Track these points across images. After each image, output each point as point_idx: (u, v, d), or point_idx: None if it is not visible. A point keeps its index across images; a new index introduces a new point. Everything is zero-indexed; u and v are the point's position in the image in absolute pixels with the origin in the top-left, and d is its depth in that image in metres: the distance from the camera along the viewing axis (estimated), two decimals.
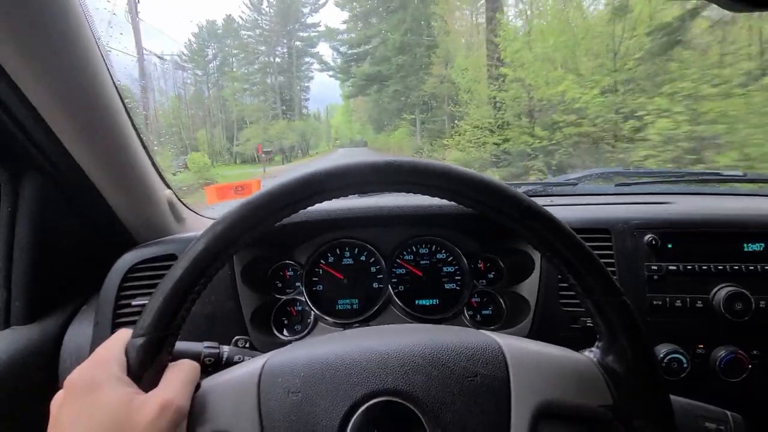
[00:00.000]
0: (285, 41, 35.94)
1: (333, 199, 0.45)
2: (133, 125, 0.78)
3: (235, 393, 0.42)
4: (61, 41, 0.58)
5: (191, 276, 0.40)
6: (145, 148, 0.83)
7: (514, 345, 0.45)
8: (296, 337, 0.89)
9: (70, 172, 0.71)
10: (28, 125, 0.63)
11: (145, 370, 0.40)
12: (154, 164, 0.87)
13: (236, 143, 30.58)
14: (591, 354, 0.46)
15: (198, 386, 0.43)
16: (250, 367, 0.44)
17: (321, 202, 0.44)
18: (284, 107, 37.08)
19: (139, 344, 0.40)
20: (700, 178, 1.29)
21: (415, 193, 0.44)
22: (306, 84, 41.74)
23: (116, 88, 0.72)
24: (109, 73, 0.69)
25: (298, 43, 36.51)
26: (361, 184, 0.44)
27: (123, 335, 0.42)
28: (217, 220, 0.42)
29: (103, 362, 0.38)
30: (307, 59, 38.99)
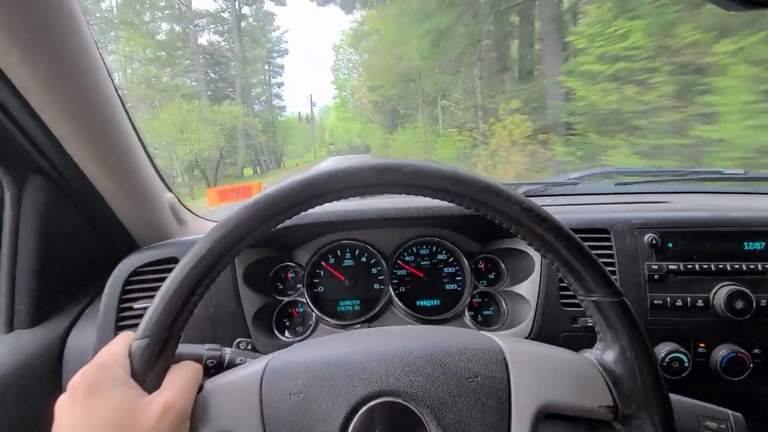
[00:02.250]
0: None
1: (334, 201, 0.45)
2: (134, 129, 0.79)
3: (237, 394, 0.43)
4: (62, 46, 0.58)
5: (194, 278, 0.41)
6: (146, 151, 0.83)
7: (514, 346, 0.46)
8: (298, 338, 0.89)
9: (72, 175, 0.72)
10: (31, 129, 0.64)
11: (148, 372, 0.40)
12: (155, 167, 0.88)
13: None
14: (591, 354, 0.46)
15: (201, 387, 0.43)
16: (253, 368, 0.45)
17: (322, 204, 0.44)
18: (227, 87, 19.93)
19: (143, 345, 0.40)
20: (700, 176, 1.29)
21: (416, 195, 0.45)
22: (277, 59, 24.94)
23: (117, 91, 0.72)
24: (110, 76, 0.70)
25: None
26: (362, 186, 0.44)
27: (126, 337, 0.42)
28: (220, 223, 0.42)
29: (106, 364, 0.39)
30: (273, 16, 23.08)
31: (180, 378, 0.41)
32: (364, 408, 0.41)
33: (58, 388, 0.73)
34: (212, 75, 20.37)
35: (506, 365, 0.43)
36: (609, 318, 0.43)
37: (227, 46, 20.88)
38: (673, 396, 0.45)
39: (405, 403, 0.41)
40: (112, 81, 0.71)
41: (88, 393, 0.37)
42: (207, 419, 0.41)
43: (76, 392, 0.37)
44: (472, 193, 0.43)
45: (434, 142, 12.77)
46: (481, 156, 8.92)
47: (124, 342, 0.41)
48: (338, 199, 0.45)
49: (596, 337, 0.46)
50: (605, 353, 0.44)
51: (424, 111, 15.42)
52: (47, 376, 0.72)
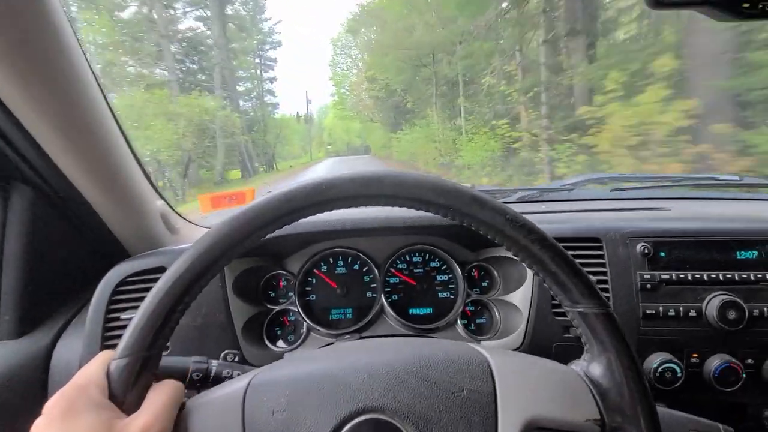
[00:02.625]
0: None
1: (318, 214, 0.44)
2: (124, 135, 0.78)
3: (219, 413, 0.42)
4: (47, 53, 0.57)
5: (175, 294, 0.40)
6: (136, 158, 0.83)
7: (500, 359, 0.45)
8: (289, 348, 0.88)
9: (59, 184, 0.71)
10: (14, 138, 0.63)
11: (127, 392, 0.39)
12: (146, 175, 0.87)
13: None
14: (577, 366, 0.46)
15: (182, 406, 0.42)
16: (235, 386, 0.44)
17: (306, 217, 0.44)
18: (209, 80, 16.77)
19: (123, 365, 0.39)
20: (695, 182, 1.29)
21: (400, 207, 0.44)
22: (269, 52, 22.20)
23: (105, 98, 0.71)
24: (98, 82, 0.69)
25: None
26: (344, 198, 0.43)
27: (104, 357, 0.41)
28: (202, 237, 0.42)
29: (83, 386, 0.38)
30: (264, 3, 20.44)
31: (160, 399, 0.40)
32: (349, 425, 0.40)
33: (43, 399, 0.71)
34: (190, 65, 16.52)
35: (492, 378, 0.43)
36: (595, 329, 0.43)
37: (209, 32, 17.39)
38: (662, 409, 0.45)
39: (390, 419, 0.41)
40: (100, 87, 0.70)
41: (63, 416, 0.36)
42: None
43: (51, 415, 0.36)
44: (457, 204, 0.43)
45: (454, 141, 9.51)
46: (545, 163, 5.48)
47: (103, 362, 0.40)
48: (322, 212, 0.44)
49: (583, 349, 0.46)
50: (591, 365, 0.44)
51: (438, 103, 11.68)
52: (33, 387, 0.71)
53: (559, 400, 0.42)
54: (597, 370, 0.44)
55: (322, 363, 0.46)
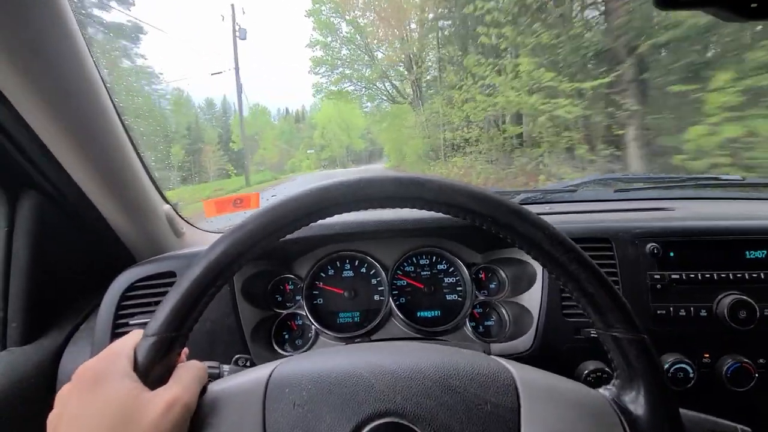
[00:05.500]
0: None
1: (352, 212, 0.44)
2: (131, 141, 0.78)
3: (240, 400, 0.42)
4: (57, 60, 0.58)
5: (207, 278, 0.41)
6: (143, 163, 0.83)
7: (526, 375, 0.44)
8: (297, 351, 0.87)
9: (67, 190, 0.71)
10: (25, 144, 0.63)
11: (151, 369, 0.40)
12: (152, 180, 0.87)
13: None
14: (606, 392, 0.45)
15: (204, 389, 0.43)
16: (258, 374, 0.44)
17: (341, 213, 0.44)
18: None
19: (150, 343, 0.40)
20: (698, 183, 1.29)
21: (436, 212, 0.44)
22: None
23: (114, 104, 0.72)
24: (106, 89, 0.69)
25: None
26: (383, 198, 0.43)
27: (136, 335, 0.42)
28: (237, 226, 0.42)
29: (113, 357, 0.40)
30: None
31: (186, 375, 0.41)
32: (369, 427, 0.40)
33: (51, 406, 0.71)
34: None
35: (517, 394, 0.42)
36: (628, 356, 0.42)
37: None
38: (680, 411, 0.45)
39: (411, 425, 0.40)
40: (108, 92, 0.70)
41: (92, 383, 0.37)
42: (208, 423, 0.40)
43: (81, 382, 0.38)
44: (497, 214, 0.42)
45: None
46: None
47: (134, 338, 0.42)
48: (357, 210, 0.44)
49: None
50: (622, 392, 0.43)
51: None
52: (41, 394, 0.70)
53: (585, 424, 0.41)
54: (627, 397, 0.42)
55: (346, 360, 0.46)
